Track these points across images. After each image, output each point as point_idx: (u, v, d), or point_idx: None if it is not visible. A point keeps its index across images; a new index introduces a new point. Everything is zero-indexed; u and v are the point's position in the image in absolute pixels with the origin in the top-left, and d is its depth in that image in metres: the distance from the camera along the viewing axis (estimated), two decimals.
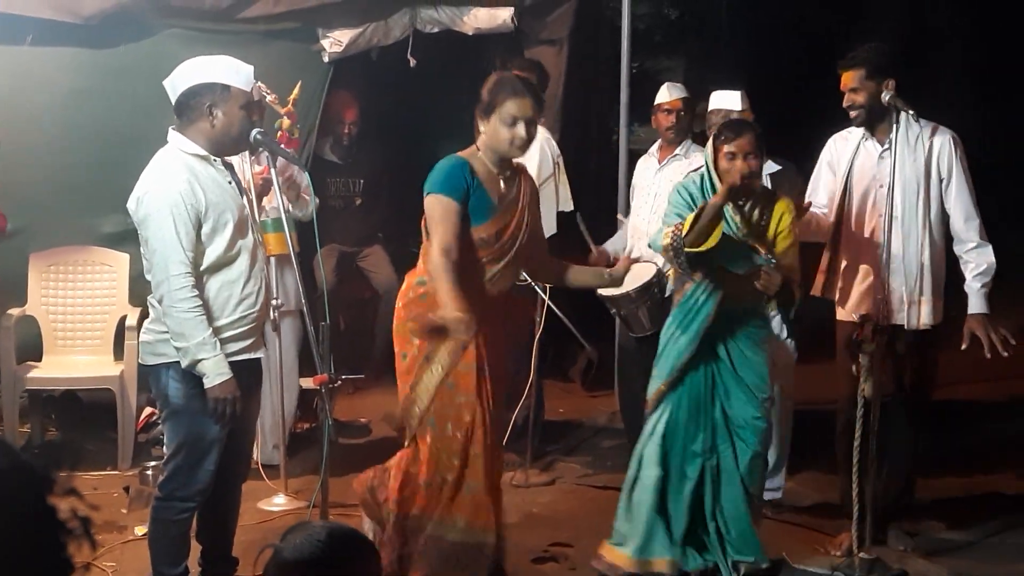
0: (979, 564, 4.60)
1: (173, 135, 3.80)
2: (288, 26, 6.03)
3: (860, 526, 4.43)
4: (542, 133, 5.62)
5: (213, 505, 4.03)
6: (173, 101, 3.79)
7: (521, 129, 3.92)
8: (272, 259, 5.13)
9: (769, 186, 4.87)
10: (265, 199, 5.19)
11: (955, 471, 5.57)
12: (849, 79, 4.53)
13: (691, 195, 4.40)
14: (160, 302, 3.72)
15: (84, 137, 5.83)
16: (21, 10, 5.68)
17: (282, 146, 4.74)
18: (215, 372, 3.70)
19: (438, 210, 3.91)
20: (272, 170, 4.08)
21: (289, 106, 5.32)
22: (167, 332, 3.74)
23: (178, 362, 3.74)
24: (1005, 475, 5.62)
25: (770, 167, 5.06)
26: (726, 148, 4.32)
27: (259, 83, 4.93)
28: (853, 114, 4.54)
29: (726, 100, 5.16)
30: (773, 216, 4.39)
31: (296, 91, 5.39)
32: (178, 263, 3.66)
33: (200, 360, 3.69)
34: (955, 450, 5.74)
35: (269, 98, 5.13)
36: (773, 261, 4.27)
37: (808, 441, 5.37)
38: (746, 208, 4.38)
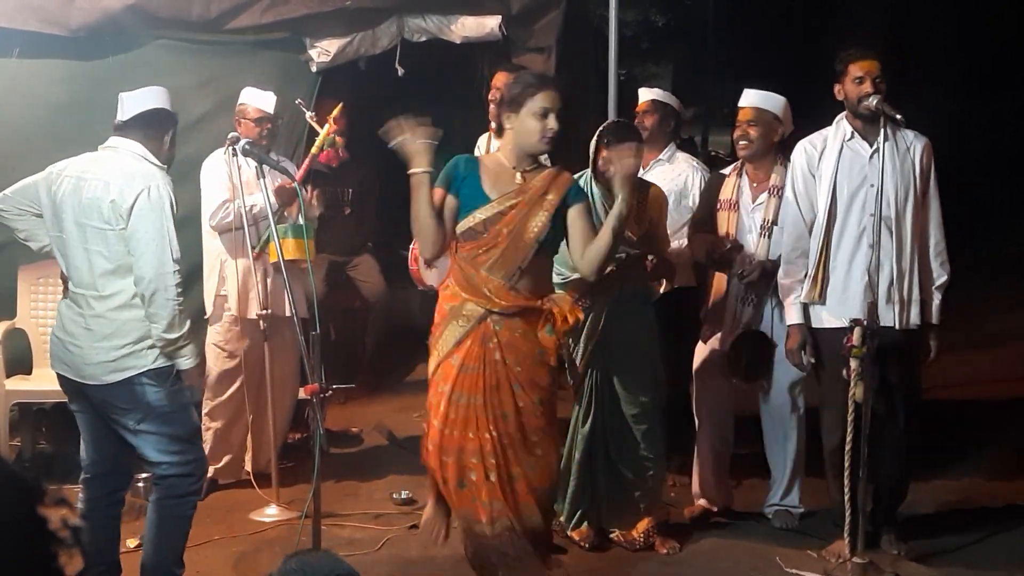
0: (971, 568, 4.60)
1: (131, 144, 3.98)
2: (276, 36, 6.02)
3: (853, 531, 4.44)
4: None
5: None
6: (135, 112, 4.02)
7: (552, 121, 3.91)
8: (272, 266, 5.24)
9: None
10: (287, 211, 5.31)
11: (947, 475, 5.57)
12: (874, 67, 4.53)
13: None
14: (152, 295, 3.81)
15: (72, 149, 5.77)
16: (8, 23, 5.68)
17: (271, 155, 4.84)
18: (193, 354, 3.96)
19: None
20: (262, 180, 4.20)
21: (331, 124, 5.46)
22: (132, 343, 3.87)
23: (149, 370, 3.87)
24: (997, 479, 5.63)
25: None
26: (604, 152, 4.65)
27: (299, 100, 5.08)
28: (874, 101, 4.46)
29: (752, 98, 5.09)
30: (646, 202, 4.75)
31: (337, 111, 5.56)
32: (173, 261, 3.84)
33: (185, 346, 3.91)
34: (947, 453, 5.75)
35: (308, 115, 5.21)
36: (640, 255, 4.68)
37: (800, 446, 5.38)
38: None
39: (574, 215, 4.01)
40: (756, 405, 5.18)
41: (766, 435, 5.17)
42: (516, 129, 3.96)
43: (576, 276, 4.64)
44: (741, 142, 5.02)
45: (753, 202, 5.03)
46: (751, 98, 5.04)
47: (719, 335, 5.08)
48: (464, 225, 3.94)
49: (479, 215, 3.92)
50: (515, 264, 3.92)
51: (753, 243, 4.99)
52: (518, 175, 3.98)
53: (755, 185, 5.04)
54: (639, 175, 5.08)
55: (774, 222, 4.95)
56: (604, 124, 4.82)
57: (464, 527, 4.05)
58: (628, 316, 4.75)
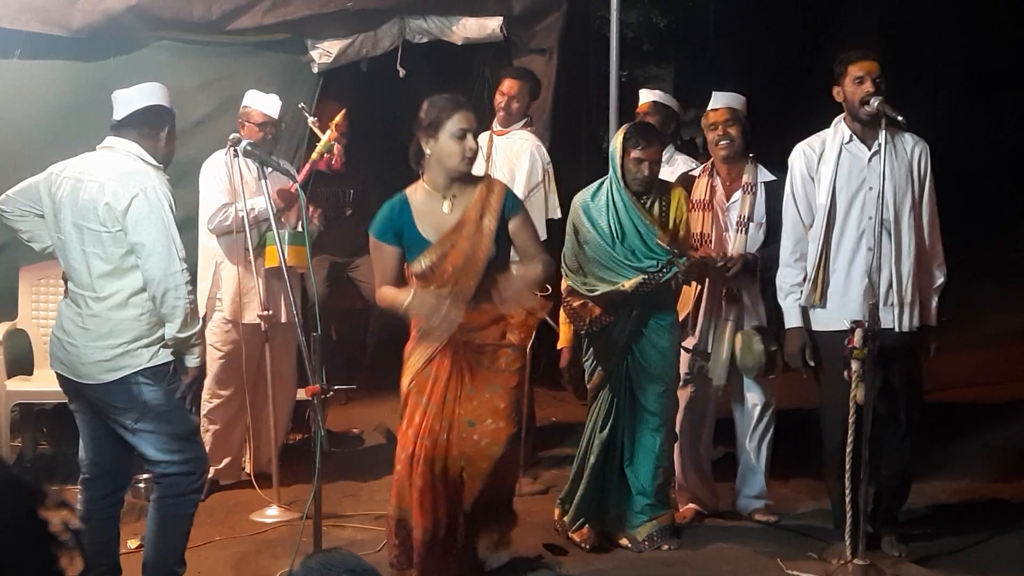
0: (972, 571, 4.60)
1: (127, 143, 3.98)
2: (277, 37, 6.04)
3: (854, 533, 4.44)
4: (533, 140, 5.64)
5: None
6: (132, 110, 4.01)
7: (471, 141, 4.01)
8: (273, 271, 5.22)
9: (764, 196, 4.96)
10: (284, 216, 5.32)
11: (948, 476, 5.58)
12: (874, 68, 4.54)
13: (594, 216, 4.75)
14: (163, 295, 3.82)
15: (74, 150, 5.77)
16: (10, 24, 5.69)
17: (273, 158, 4.86)
18: (200, 352, 3.99)
19: (374, 252, 4.17)
20: (264, 181, 4.21)
21: (333, 131, 5.47)
22: (128, 342, 3.87)
23: (145, 368, 3.87)
24: (998, 481, 5.62)
25: (765, 175, 5.07)
26: (634, 153, 4.65)
27: (301, 104, 5.20)
28: (875, 102, 4.45)
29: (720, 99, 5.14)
30: (671, 204, 4.75)
31: (339, 117, 5.58)
32: (180, 259, 3.85)
33: (196, 344, 3.94)
34: (948, 455, 5.75)
35: (310, 120, 5.21)
36: (682, 259, 4.62)
37: (802, 447, 5.38)
38: (648, 203, 4.73)
39: (515, 227, 4.14)
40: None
41: (739, 431, 5.20)
42: (436, 154, 4.04)
43: (606, 289, 4.63)
44: (722, 142, 5.06)
45: (728, 200, 5.07)
46: (724, 99, 5.11)
47: (696, 337, 5.09)
48: (415, 268, 4.09)
49: (424, 261, 4.05)
50: (470, 289, 4.06)
51: (730, 240, 5.03)
52: (447, 203, 4.07)
53: (728, 183, 5.09)
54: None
55: (750, 218, 5.01)
56: (624, 128, 4.80)
57: (398, 516, 4.26)
58: (653, 321, 4.77)
